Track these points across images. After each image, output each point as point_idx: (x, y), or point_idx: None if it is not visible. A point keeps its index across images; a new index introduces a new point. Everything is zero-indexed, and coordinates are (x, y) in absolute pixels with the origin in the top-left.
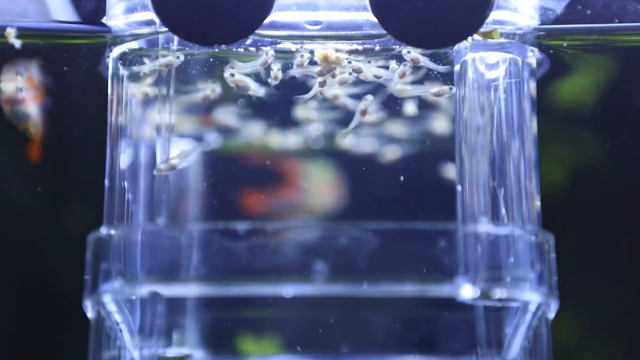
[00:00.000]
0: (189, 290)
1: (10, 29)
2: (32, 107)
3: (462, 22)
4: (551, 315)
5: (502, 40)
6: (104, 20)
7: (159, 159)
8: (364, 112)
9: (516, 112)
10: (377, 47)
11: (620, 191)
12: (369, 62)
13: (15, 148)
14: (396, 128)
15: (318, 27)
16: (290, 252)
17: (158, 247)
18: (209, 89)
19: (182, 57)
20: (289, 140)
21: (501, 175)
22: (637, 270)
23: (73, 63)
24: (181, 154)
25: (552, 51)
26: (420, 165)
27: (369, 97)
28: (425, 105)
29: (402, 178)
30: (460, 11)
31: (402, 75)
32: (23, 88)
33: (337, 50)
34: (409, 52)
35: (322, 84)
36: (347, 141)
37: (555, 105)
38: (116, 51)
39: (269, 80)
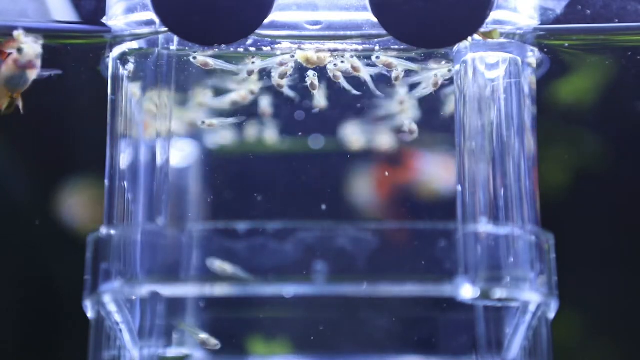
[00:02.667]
0: (189, 290)
1: (18, 32)
2: (32, 75)
3: (462, 22)
4: (551, 315)
5: (502, 40)
6: (104, 20)
7: (159, 159)
8: (313, 86)
9: (516, 112)
10: (377, 47)
11: (620, 191)
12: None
13: (16, 148)
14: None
15: (318, 27)
16: (290, 252)
17: (158, 247)
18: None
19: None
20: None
21: (501, 175)
22: (637, 270)
23: (73, 63)
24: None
25: (552, 51)
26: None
27: (311, 72)
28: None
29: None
30: (460, 11)
31: (397, 79)
32: (40, 55)
33: (318, 51)
34: (377, 57)
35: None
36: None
37: (555, 105)
38: (116, 51)
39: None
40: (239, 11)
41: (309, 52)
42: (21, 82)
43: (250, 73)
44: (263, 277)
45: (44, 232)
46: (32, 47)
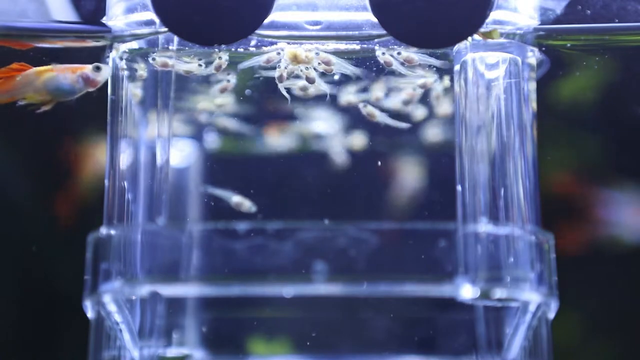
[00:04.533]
0: (189, 290)
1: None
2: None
3: (462, 22)
4: (551, 315)
5: (502, 40)
6: (104, 20)
7: (159, 159)
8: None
9: (516, 112)
10: (377, 47)
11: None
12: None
13: (16, 148)
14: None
15: (318, 27)
16: (290, 252)
17: (158, 247)
18: (225, 80)
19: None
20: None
21: (501, 175)
22: (637, 270)
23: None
24: None
25: (552, 51)
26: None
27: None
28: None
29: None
30: (460, 11)
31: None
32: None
33: (307, 50)
34: (399, 53)
35: (281, 79)
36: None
37: (556, 105)
38: (116, 51)
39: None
40: (239, 11)
41: (297, 49)
42: (74, 94)
43: (218, 69)
44: (263, 277)
45: (44, 232)
46: (106, 71)
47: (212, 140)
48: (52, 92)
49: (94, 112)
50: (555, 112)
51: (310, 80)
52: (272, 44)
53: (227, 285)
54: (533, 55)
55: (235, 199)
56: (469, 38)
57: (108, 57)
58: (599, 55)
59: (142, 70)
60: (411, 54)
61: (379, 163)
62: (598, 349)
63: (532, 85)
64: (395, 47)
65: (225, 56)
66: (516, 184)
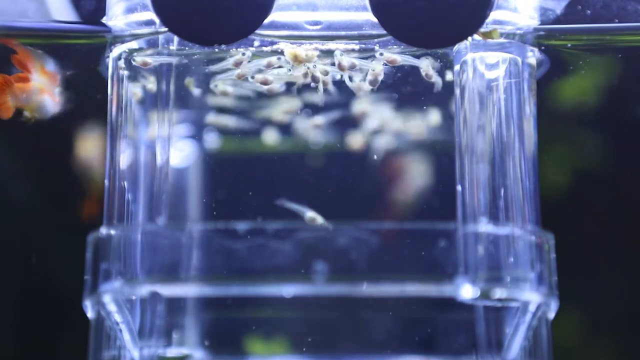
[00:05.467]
0: (189, 290)
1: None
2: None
3: (462, 22)
4: (551, 315)
5: (502, 40)
6: (104, 20)
7: (159, 159)
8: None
9: (516, 112)
10: (377, 47)
11: (620, 191)
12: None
13: (16, 148)
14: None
15: (318, 27)
16: (290, 252)
17: (158, 247)
18: (239, 54)
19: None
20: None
21: (501, 175)
22: (637, 270)
23: (73, 63)
24: None
25: (552, 51)
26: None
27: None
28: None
29: (375, 157)
30: (460, 11)
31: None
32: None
33: (307, 50)
34: (381, 54)
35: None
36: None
37: (556, 105)
38: (116, 51)
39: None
40: (239, 11)
41: (298, 49)
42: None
43: (238, 64)
44: (263, 277)
45: (44, 232)
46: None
47: (212, 140)
48: (38, 110)
49: (95, 111)
50: (556, 112)
51: (316, 79)
52: (272, 43)
53: (227, 285)
54: (533, 55)
55: (310, 214)
56: (469, 38)
57: (108, 57)
58: (598, 55)
59: (151, 83)
60: (394, 54)
61: (375, 157)
62: (598, 349)
63: (532, 85)
64: (378, 47)
65: (248, 52)
66: (516, 184)
